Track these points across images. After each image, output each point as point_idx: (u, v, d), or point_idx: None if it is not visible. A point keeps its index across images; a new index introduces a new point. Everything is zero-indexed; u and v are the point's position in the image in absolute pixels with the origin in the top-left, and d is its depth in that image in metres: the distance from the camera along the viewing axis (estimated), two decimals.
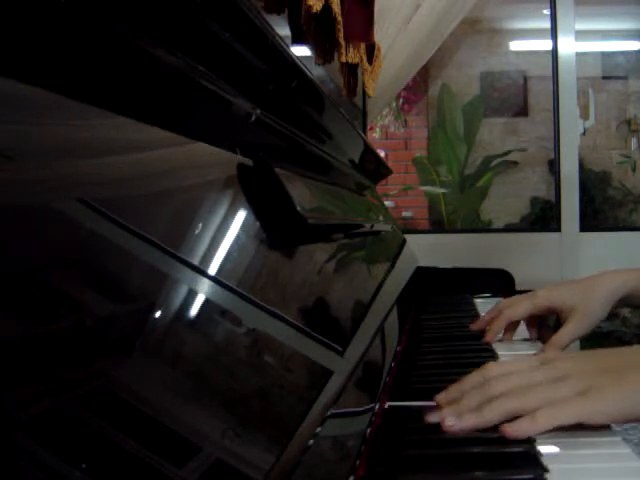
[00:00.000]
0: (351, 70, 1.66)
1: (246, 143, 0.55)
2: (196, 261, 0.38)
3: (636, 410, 0.50)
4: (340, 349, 0.55)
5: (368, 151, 1.18)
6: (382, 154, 3.85)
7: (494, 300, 1.22)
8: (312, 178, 0.74)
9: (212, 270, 0.40)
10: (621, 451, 0.48)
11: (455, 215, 4.00)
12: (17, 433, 0.22)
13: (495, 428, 0.51)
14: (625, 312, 3.17)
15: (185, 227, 0.40)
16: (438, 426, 0.52)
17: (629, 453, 0.47)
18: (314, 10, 1.23)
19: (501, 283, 1.39)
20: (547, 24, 2.49)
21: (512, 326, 0.88)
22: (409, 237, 1.52)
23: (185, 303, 0.35)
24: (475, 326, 0.91)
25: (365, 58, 1.59)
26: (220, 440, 0.32)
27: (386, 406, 0.61)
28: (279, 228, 0.55)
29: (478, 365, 0.59)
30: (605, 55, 3.95)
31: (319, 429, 0.42)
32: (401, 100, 4.09)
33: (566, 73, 2.42)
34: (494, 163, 4.00)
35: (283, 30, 1.43)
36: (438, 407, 0.55)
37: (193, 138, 0.45)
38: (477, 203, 3.99)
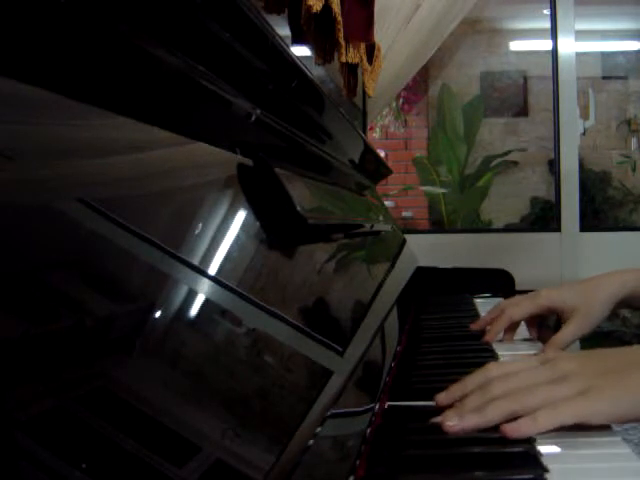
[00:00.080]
0: (351, 70, 1.66)
1: (246, 143, 0.55)
2: (196, 261, 0.38)
3: (636, 410, 0.50)
4: (340, 349, 0.55)
5: (368, 151, 1.18)
6: (382, 154, 3.85)
7: (494, 300, 1.22)
8: (312, 178, 0.74)
9: (212, 270, 0.40)
10: (621, 451, 0.48)
11: (455, 215, 4.00)
12: (17, 433, 0.22)
13: (495, 428, 0.51)
14: (625, 312, 3.17)
15: (185, 227, 0.40)
16: (438, 426, 0.52)
17: (629, 453, 0.47)
18: (314, 10, 1.23)
19: (501, 283, 1.39)
20: (547, 24, 2.49)
21: (512, 326, 0.88)
22: (409, 237, 1.52)
23: (185, 303, 0.35)
24: (476, 326, 0.91)
25: (365, 58, 1.60)
26: (220, 440, 0.32)
27: (386, 406, 0.61)
28: (279, 228, 0.55)
29: (478, 365, 0.59)
30: (605, 55, 3.95)
31: (319, 429, 0.42)
32: (401, 100, 4.10)
33: (566, 73, 2.42)
34: (494, 163, 4.00)
35: (283, 30, 1.43)
36: (438, 407, 0.55)
37: (193, 138, 0.45)
38: (477, 203, 3.99)
